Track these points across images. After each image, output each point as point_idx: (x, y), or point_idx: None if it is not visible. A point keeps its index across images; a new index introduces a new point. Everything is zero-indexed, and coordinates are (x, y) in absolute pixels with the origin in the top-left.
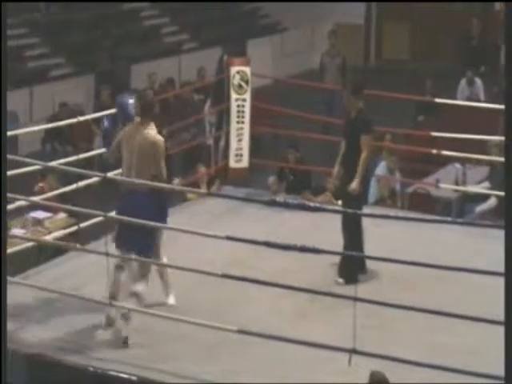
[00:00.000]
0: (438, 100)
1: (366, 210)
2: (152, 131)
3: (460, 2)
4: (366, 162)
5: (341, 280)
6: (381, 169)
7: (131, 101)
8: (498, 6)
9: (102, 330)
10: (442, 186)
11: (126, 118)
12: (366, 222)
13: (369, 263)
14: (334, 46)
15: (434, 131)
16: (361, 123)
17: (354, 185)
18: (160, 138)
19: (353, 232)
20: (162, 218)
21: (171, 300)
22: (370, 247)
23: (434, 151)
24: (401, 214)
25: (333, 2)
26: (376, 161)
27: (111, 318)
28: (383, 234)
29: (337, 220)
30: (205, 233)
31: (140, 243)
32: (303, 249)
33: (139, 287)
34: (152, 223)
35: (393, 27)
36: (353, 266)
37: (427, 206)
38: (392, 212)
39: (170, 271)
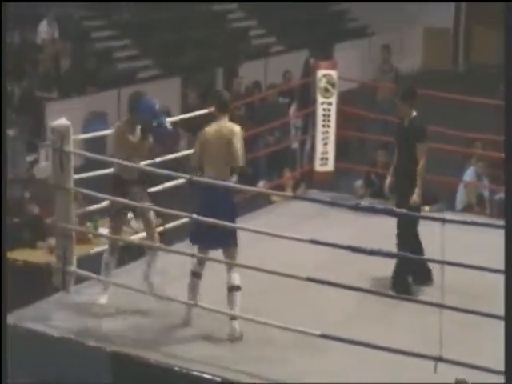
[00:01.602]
0: None
1: (453, 216)
2: (229, 123)
3: None
4: (423, 172)
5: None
6: (469, 175)
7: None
8: None
9: (187, 330)
10: None
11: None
12: (451, 229)
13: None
14: (387, 61)
15: None
16: (415, 131)
17: (415, 197)
18: (237, 127)
19: (410, 241)
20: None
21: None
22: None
23: None
24: (489, 221)
25: (422, 1)
26: (465, 167)
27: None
28: (470, 242)
29: (422, 226)
30: (289, 236)
31: (227, 238)
32: (388, 254)
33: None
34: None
35: (482, 31)
36: (407, 278)
37: None
38: (481, 219)
39: (252, 272)
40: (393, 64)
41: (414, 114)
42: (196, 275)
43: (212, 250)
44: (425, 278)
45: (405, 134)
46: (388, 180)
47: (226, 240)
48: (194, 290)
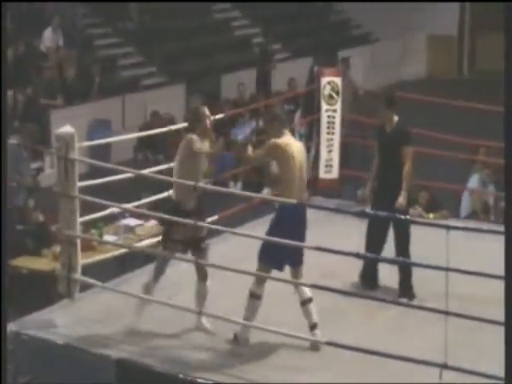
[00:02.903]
0: None
1: (458, 223)
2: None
3: None
4: (410, 175)
5: (405, 300)
6: (473, 182)
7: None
8: None
9: (194, 337)
10: None
11: None
12: (456, 235)
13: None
14: (346, 75)
15: None
16: (400, 135)
17: (402, 199)
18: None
19: (405, 245)
20: None
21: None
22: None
23: None
24: (494, 228)
25: (426, 1)
26: (469, 174)
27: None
28: (473, 248)
29: (427, 233)
30: (294, 243)
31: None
32: (394, 261)
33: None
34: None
35: (487, 38)
36: (411, 282)
37: None
38: (485, 226)
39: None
40: (351, 78)
41: (396, 118)
42: (256, 296)
43: (282, 269)
44: (373, 281)
45: (388, 140)
46: (368, 186)
47: (300, 257)
48: (253, 311)
